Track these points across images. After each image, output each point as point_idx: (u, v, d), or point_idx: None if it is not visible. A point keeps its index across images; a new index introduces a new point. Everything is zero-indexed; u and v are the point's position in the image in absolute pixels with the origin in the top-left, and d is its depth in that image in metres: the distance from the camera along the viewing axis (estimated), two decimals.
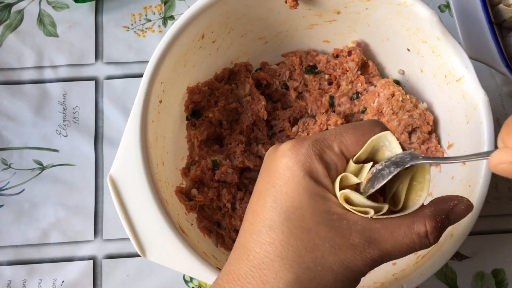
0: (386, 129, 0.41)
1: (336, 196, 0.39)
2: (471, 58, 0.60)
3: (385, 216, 0.39)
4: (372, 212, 0.38)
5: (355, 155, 0.40)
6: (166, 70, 0.61)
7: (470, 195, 0.56)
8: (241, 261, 0.39)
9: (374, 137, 0.40)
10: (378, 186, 0.38)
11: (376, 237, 0.38)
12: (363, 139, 0.40)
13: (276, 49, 0.74)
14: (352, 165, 0.40)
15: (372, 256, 0.38)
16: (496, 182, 0.75)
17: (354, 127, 0.41)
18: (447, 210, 0.39)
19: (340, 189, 0.39)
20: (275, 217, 0.38)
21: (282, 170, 0.39)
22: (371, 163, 0.40)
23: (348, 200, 0.39)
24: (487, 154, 0.36)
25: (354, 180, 0.40)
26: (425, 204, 0.40)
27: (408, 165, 0.38)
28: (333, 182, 0.40)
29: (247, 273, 0.38)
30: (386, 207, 0.39)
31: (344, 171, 0.40)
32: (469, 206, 0.40)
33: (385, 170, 0.38)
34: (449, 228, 0.56)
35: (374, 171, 0.39)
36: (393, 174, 0.38)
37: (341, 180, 0.40)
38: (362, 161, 0.41)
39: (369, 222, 0.38)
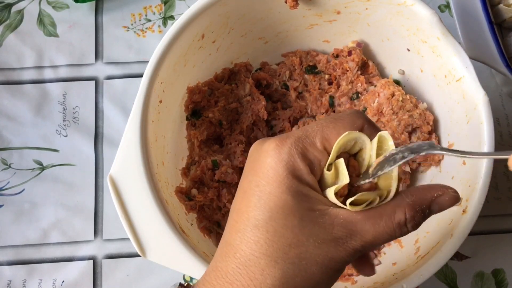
0: (368, 120, 0.41)
1: (319, 192, 0.40)
2: (471, 58, 0.60)
3: (366, 208, 0.39)
4: (360, 206, 0.39)
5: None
6: (166, 70, 0.61)
7: (470, 195, 0.56)
8: (228, 258, 0.39)
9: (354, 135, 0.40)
10: (387, 169, 0.39)
11: (357, 229, 0.38)
12: (345, 132, 0.40)
13: (276, 49, 0.74)
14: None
15: (355, 246, 0.38)
16: (496, 182, 0.75)
17: (335, 120, 0.41)
18: (428, 200, 0.40)
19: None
20: (259, 216, 0.38)
21: (265, 170, 0.40)
22: (341, 159, 0.40)
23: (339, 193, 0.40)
24: (505, 153, 0.36)
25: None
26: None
27: (424, 153, 0.39)
28: (316, 178, 0.40)
29: (235, 270, 0.39)
30: (376, 199, 0.39)
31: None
32: (455, 198, 0.40)
33: (398, 155, 0.39)
34: (449, 228, 0.56)
35: (387, 154, 0.39)
36: (406, 159, 0.38)
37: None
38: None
39: (350, 214, 0.39)
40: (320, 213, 0.39)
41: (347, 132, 0.39)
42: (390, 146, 0.40)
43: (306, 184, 0.39)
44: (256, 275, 0.38)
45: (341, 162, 0.39)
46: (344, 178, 0.39)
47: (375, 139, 0.40)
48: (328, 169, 0.40)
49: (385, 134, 0.40)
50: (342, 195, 0.40)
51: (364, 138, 0.40)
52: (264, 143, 0.41)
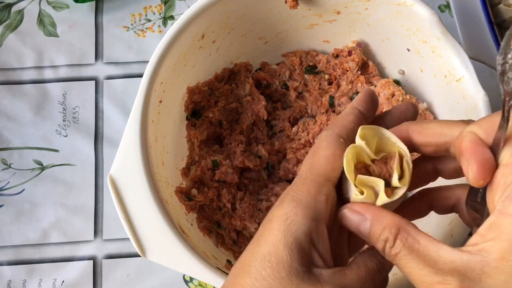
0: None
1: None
2: (471, 58, 0.60)
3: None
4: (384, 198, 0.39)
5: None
6: (166, 70, 0.61)
7: None
8: None
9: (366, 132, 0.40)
10: None
11: (348, 283, 0.38)
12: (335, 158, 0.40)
13: (276, 49, 0.74)
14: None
15: None
16: None
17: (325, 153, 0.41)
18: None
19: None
20: (252, 262, 0.38)
21: (272, 218, 0.39)
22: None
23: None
24: None
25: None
26: None
27: None
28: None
29: None
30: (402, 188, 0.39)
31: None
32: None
33: None
34: (449, 228, 0.56)
35: None
36: None
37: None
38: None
39: (339, 275, 0.38)
40: (307, 270, 0.38)
41: (351, 146, 0.39)
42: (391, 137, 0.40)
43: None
44: None
45: (365, 177, 0.39)
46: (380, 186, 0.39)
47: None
48: (360, 193, 0.39)
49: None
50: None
51: (380, 130, 0.40)
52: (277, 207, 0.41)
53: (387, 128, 0.41)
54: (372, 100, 0.45)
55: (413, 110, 0.45)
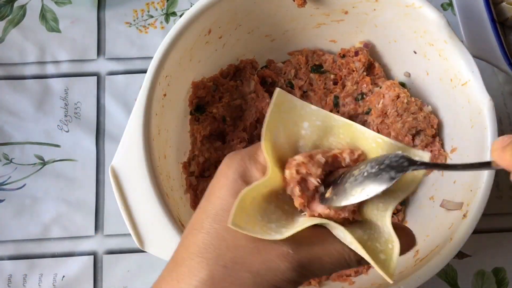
0: None
1: None
2: (473, 56, 0.60)
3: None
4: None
5: None
6: (172, 64, 0.61)
7: (471, 200, 0.56)
8: (169, 261, 0.40)
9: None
10: (377, 191, 0.35)
11: (304, 242, 0.38)
12: None
13: (283, 47, 0.74)
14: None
15: (299, 259, 0.37)
16: (497, 180, 0.74)
17: None
18: None
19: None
20: (204, 219, 0.39)
21: (219, 176, 0.40)
22: None
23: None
24: (486, 165, 0.35)
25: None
26: None
27: (408, 172, 0.35)
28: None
29: (168, 270, 0.39)
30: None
31: None
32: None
33: (383, 174, 0.35)
34: (449, 232, 0.56)
35: (361, 172, 0.36)
36: (396, 180, 0.35)
37: None
38: None
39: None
40: None
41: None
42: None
43: None
44: (184, 276, 0.37)
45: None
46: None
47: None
48: None
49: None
50: None
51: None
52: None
53: None
54: None
55: None
